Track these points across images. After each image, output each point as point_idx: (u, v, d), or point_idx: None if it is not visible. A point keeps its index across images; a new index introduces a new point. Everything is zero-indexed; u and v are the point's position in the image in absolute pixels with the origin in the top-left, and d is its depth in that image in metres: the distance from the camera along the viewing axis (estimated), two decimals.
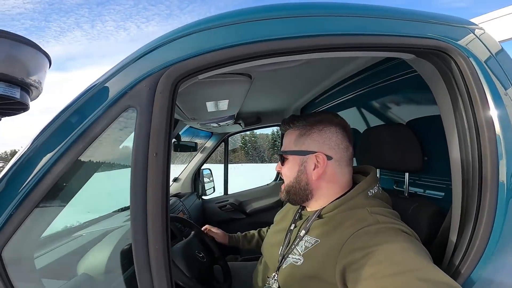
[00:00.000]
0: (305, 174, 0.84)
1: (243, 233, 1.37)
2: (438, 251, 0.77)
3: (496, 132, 0.68)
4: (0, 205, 0.62)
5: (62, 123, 0.64)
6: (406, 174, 1.07)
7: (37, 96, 0.67)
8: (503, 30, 1.06)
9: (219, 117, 1.84)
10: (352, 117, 1.49)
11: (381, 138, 1.09)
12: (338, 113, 0.90)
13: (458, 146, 0.73)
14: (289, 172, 0.87)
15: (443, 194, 1.00)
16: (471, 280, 0.68)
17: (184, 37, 0.64)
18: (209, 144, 2.63)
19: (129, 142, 0.62)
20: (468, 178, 0.71)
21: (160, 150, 0.59)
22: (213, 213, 2.59)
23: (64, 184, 0.65)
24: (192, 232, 1.28)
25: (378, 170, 1.20)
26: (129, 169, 0.60)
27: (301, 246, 0.80)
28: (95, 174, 0.72)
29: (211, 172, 2.76)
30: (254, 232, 1.37)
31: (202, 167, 2.66)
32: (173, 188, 2.55)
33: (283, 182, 0.91)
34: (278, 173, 2.71)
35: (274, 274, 0.85)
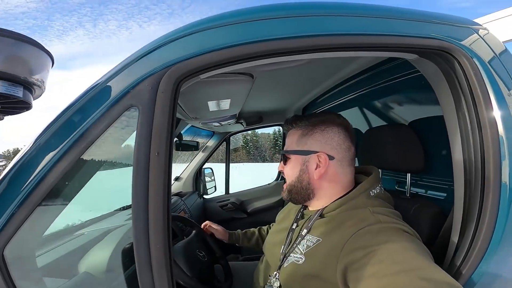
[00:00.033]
0: (307, 173, 0.84)
1: (243, 231, 1.38)
2: (440, 251, 0.77)
3: (499, 133, 0.68)
4: (2, 203, 0.62)
5: (64, 122, 0.64)
6: (408, 175, 1.06)
7: (40, 95, 0.67)
8: (507, 30, 1.06)
9: (221, 116, 1.84)
10: (354, 117, 1.49)
11: (383, 139, 1.09)
12: (340, 113, 0.90)
13: (461, 146, 0.73)
14: (291, 171, 0.88)
15: (445, 194, 1.00)
16: (472, 281, 0.67)
17: (186, 37, 0.64)
18: (211, 143, 2.64)
19: (131, 141, 0.62)
20: (470, 178, 0.71)
21: (162, 150, 0.59)
22: (214, 212, 2.59)
23: (66, 183, 0.65)
24: (193, 231, 1.28)
25: (380, 171, 1.19)
26: (131, 168, 0.60)
27: (303, 245, 0.80)
28: (97, 173, 0.72)
29: (213, 171, 2.77)
30: (254, 230, 1.37)
31: (204, 166, 2.66)
32: (175, 187, 2.56)
33: (285, 182, 0.92)
34: (280, 173, 2.72)
35: (275, 273, 0.86)
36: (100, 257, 0.95)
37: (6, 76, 0.55)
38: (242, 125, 2.36)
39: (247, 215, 2.60)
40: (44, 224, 0.70)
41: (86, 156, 0.64)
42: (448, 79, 0.74)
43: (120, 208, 1.29)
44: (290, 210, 1.03)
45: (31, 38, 0.57)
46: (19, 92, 0.58)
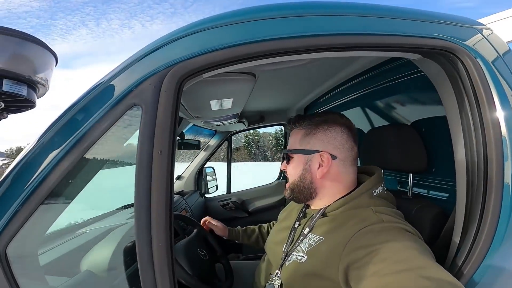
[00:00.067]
0: (309, 172, 0.85)
1: (244, 228, 1.38)
2: (441, 251, 0.76)
3: (502, 133, 0.68)
4: (5, 202, 0.63)
5: (67, 121, 0.65)
6: (410, 175, 1.06)
7: (44, 94, 0.67)
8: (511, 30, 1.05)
9: (223, 116, 1.84)
10: (356, 117, 1.48)
11: (386, 139, 1.09)
12: (342, 113, 0.90)
13: (464, 147, 0.73)
14: (294, 170, 0.88)
15: (447, 195, 1.00)
16: (473, 281, 0.68)
17: (188, 36, 0.64)
18: (213, 142, 2.64)
19: (133, 140, 0.62)
20: (473, 179, 0.71)
21: (165, 148, 0.59)
22: (216, 211, 2.59)
23: (69, 181, 0.65)
24: (195, 230, 1.29)
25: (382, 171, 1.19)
26: (133, 167, 0.60)
27: (305, 244, 0.80)
28: (100, 171, 0.72)
29: (214, 171, 2.77)
30: (254, 227, 1.37)
31: (205, 165, 2.66)
32: (176, 186, 2.56)
33: (287, 181, 0.92)
34: (282, 172, 2.72)
35: (277, 271, 0.86)
36: (102, 255, 0.95)
37: (10, 74, 0.55)
38: (244, 124, 2.36)
39: (248, 215, 2.60)
40: (46, 223, 0.70)
41: (89, 155, 0.64)
42: (451, 79, 0.74)
43: (122, 206, 1.29)
44: (292, 209, 1.03)
45: (36, 37, 0.57)
46: (23, 91, 0.59)
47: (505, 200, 0.67)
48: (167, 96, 0.60)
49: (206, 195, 2.67)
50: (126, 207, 1.26)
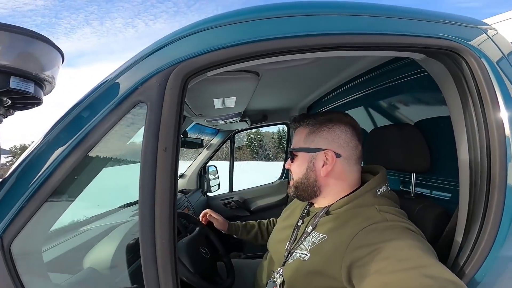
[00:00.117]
0: (313, 170, 0.85)
1: (243, 223, 1.38)
2: (443, 251, 0.76)
3: (506, 134, 0.67)
4: (10, 199, 0.63)
5: (73, 118, 0.65)
6: (413, 175, 1.06)
7: (50, 91, 0.68)
8: None
9: (226, 114, 1.84)
10: (359, 116, 1.48)
11: (389, 138, 1.09)
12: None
13: (467, 147, 0.72)
14: (298, 168, 0.88)
15: (450, 195, 0.99)
16: (475, 280, 0.68)
17: (193, 35, 0.64)
18: (215, 141, 2.63)
19: (138, 137, 0.62)
20: (476, 179, 0.71)
21: (170, 145, 0.60)
22: (218, 210, 2.58)
23: (75, 177, 0.66)
24: (197, 229, 1.29)
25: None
26: (138, 164, 0.60)
27: (308, 242, 0.81)
28: (104, 169, 0.72)
29: (217, 169, 2.77)
30: (254, 223, 1.38)
31: (208, 164, 2.66)
32: (179, 184, 2.56)
33: (289, 180, 0.92)
34: (284, 171, 2.72)
35: (279, 269, 0.86)
36: (105, 252, 0.96)
37: (18, 72, 0.56)
38: (247, 123, 2.35)
39: (250, 213, 2.60)
40: (50, 220, 0.71)
41: (94, 152, 0.65)
42: (455, 79, 0.74)
43: (125, 204, 1.30)
44: (295, 208, 1.03)
45: (43, 35, 0.58)
46: (30, 88, 0.59)
47: (508, 200, 0.67)
48: (172, 93, 0.61)
49: (208, 194, 2.67)
50: (129, 204, 1.27)
